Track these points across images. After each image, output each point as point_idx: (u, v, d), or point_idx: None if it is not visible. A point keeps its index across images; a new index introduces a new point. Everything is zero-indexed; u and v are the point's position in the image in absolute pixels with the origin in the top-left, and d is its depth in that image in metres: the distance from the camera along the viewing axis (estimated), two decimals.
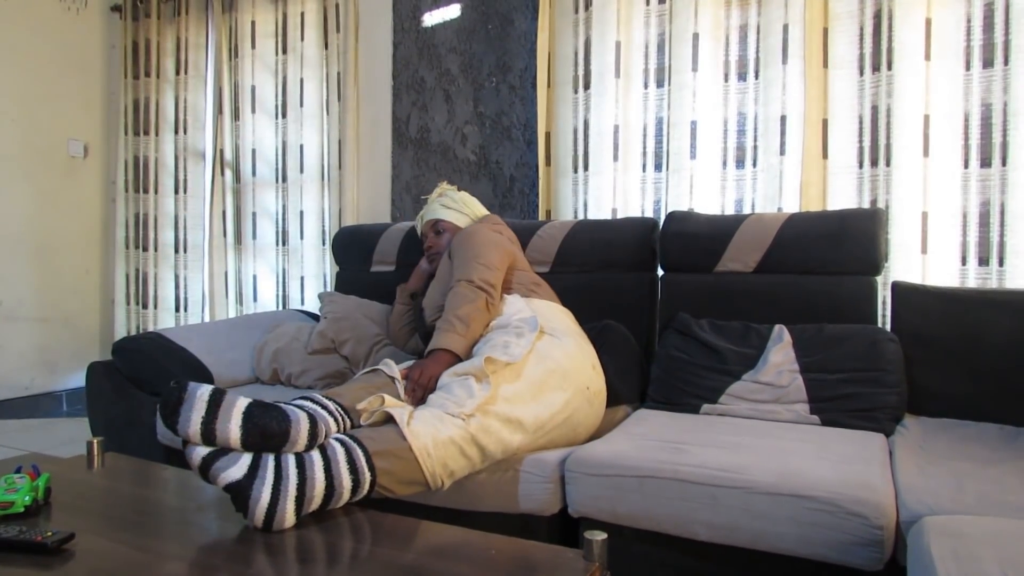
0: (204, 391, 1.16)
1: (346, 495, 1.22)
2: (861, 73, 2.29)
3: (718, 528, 1.37)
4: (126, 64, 3.90)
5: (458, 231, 2.22)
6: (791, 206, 2.36)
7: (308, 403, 1.40)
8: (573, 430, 1.68)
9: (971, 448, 1.55)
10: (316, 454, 1.22)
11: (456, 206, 2.26)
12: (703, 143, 2.50)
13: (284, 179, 3.53)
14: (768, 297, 2.09)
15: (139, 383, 2.26)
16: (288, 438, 1.18)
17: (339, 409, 1.44)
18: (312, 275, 3.47)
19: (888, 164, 2.22)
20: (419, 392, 1.61)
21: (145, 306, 3.91)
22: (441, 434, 1.38)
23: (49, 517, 1.18)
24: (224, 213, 3.68)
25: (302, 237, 3.48)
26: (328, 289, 3.34)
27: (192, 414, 1.14)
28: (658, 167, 2.63)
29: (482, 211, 2.31)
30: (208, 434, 1.14)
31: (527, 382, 1.56)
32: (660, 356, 2.07)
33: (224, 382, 2.34)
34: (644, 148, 2.65)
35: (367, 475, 1.25)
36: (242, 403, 1.18)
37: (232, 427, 1.14)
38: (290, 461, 1.18)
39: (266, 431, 1.16)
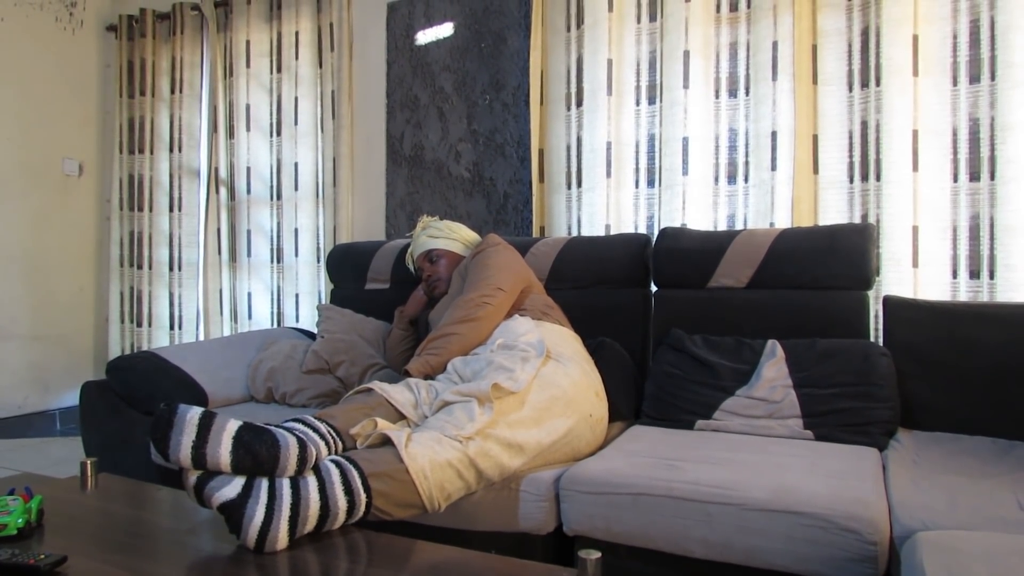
0: (194, 414, 1.16)
1: (341, 517, 1.21)
2: (850, 89, 2.32)
3: (713, 545, 1.37)
4: (121, 83, 3.92)
5: (453, 255, 2.27)
6: (783, 221, 2.38)
7: (299, 426, 1.39)
8: (573, 453, 1.68)
9: (964, 462, 1.55)
10: (311, 475, 1.22)
11: (443, 233, 2.30)
12: (695, 159, 2.51)
13: (279, 197, 3.54)
14: (761, 312, 2.10)
15: (133, 402, 2.26)
16: (278, 463, 1.18)
17: (331, 431, 1.43)
18: (307, 292, 3.47)
19: (878, 179, 2.24)
20: None
21: (139, 324, 3.90)
22: (439, 456, 1.37)
23: (42, 540, 1.18)
24: (219, 231, 3.68)
25: (297, 255, 3.49)
26: None
27: (182, 438, 1.13)
28: (651, 183, 2.65)
29: (470, 233, 2.36)
30: (199, 459, 1.13)
31: (530, 408, 1.56)
32: (654, 372, 2.07)
33: (218, 401, 2.34)
34: (637, 164, 2.67)
35: (363, 497, 1.25)
36: (232, 426, 1.17)
37: (222, 452, 1.14)
38: (284, 483, 1.18)
39: (256, 456, 1.16)
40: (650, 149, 2.65)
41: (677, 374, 2.00)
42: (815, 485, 1.38)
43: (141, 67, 3.87)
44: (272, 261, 3.58)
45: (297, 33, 3.46)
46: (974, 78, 2.15)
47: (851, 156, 2.32)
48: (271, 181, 3.56)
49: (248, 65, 3.60)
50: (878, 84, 2.23)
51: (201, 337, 3.79)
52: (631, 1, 2.66)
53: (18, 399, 3.75)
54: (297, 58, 3.47)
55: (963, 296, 2.17)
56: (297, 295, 3.49)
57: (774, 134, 2.39)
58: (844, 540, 1.26)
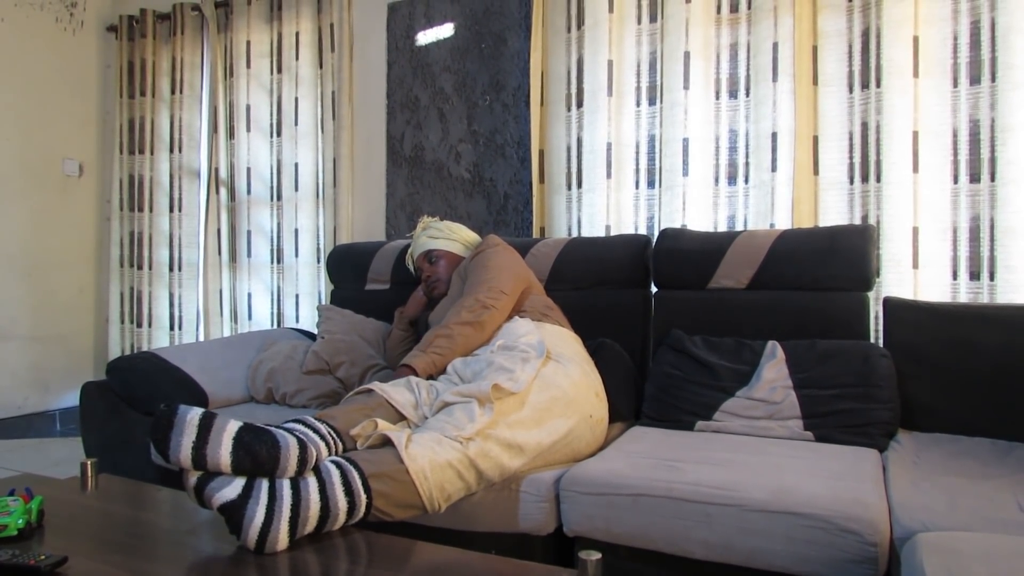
0: (194, 415, 1.16)
1: (342, 517, 1.21)
2: (851, 90, 2.32)
3: (713, 546, 1.37)
4: (121, 83, 3.92)
5: (452, 256, 2.27)
6: (783, 222, 2.38)
7: (299, 427, 1.38)
8: (573, 454, 1.68)
9: (964, 463, 1.55)
10: (311, 476, 1.22)
11: (443, 234, 2.30)
12: (695, 160, 2.51)
13: (279, 197, 3.54)
14: (761, 313, 2.10)
15: (133, 403, 2.26)
16: (278, 464, 1.18)
17: (331, 432, 1.43)
18: (307, 293, 3.47)
19: (878, 180, 2.24)
20: None
21: (139, 325, 3.90)
22: (439, 457, 1.37)
23: (42, 540, 1.18)
24: (219, 231, 3.69)
25: (297, 255, 3.49)
26: None
27: (183, 439, 1.13)
28: (651, 184, 2.65)
29: (470, 234, 2.35)
30: (199, 459, 1.13)
31: (531, 408, 1.56)
32: (654, 373, 2.07)
33: (218, 401, 2.34)
34: (637, 165, 2.67)
35: (363, 497, 1.25)
36: (232, 427, 1.17)
37: (222, 452, 1.14)
38: (284, 484, 1.18)
39: (256, 457, 1.16)
40: (650, 150, 2.65)
41: (677, 375, 2.00)
42: (815, 486, 1.38)
43: (141, 68, 3.87)
44: (272, 262, 3.58)
45: (297, 34, 3.47)
46: (974, 79, 2.15)
47: (851, 157, 2.32)
48: (271, 182, 3.56)
49: (248, 66, 3.60)
50: (878, 85, 2.23)
51: (201, 338, 3.79)
52: (631, 2, 2.66)
53: (18, 399, 3.75)
54: (297, 59, 3.47)
55: (963, 297, 2.17)
56: (297, 296, 3.49)
57: (774, 135, 2.39)
58: (844, 541, 1.26)
